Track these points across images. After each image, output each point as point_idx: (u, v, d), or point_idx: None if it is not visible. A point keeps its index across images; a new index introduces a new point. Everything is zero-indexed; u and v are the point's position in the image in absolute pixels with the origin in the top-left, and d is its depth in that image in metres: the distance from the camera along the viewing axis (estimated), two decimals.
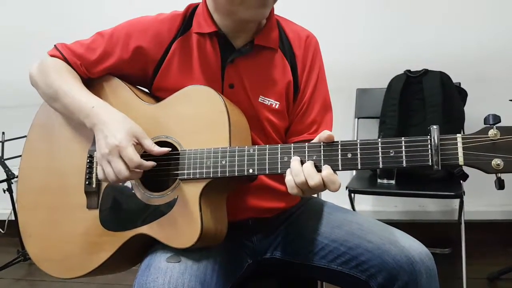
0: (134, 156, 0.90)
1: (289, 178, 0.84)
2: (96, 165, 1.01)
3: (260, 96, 1.05)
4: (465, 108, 2.06)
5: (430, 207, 2.37)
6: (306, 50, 1.09)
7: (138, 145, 0.94)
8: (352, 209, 2.04)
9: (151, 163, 0.93)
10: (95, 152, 0.97)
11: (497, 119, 0.75)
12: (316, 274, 1.11)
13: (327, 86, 1.14)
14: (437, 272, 0.94)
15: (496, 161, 0.74)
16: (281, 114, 1.08)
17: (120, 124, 0.94)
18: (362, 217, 1.06)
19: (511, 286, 1.95)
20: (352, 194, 2.00)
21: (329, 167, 0.82)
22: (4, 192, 2.31)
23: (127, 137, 0.92)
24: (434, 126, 0.77)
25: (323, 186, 0.82)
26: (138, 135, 0.94)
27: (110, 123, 0.95)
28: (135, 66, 1.07)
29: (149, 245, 0.99)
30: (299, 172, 0.83)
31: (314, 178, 0.81)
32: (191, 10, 1.08)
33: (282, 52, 1.08)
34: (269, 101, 1.06)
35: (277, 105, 1.06)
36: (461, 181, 1.90)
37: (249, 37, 1.05)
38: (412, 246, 0.94)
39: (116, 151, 0.91)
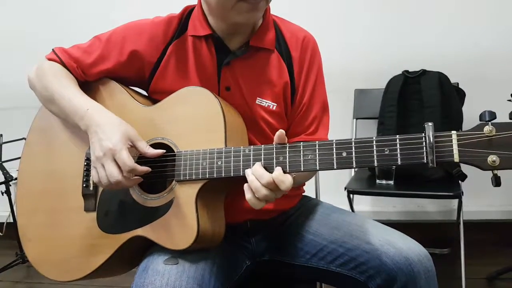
0: (127, 160, 0.90)
1: (248, 197, 0.85)
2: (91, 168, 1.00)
3: (257, 98, 1.05)
4: (463, 108, 2.06)
5: (428, 208, 2.37)
6: (304, 52, 1.09)
7: (133, 147, 0.94)
8: (350, 210, 2.04)
9: (145, 168, 0.93)
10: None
11: (492, 115, 0.74)
12: (315, 276, 1.10)
13: (325, 88, 1.13)
14: (436, 273, 0.93)
15: (492, 158, 0.73)
16: (279, 115, 1.07)
17: (115, 127, 0.94)
18: (361, 218, 1.06)
19: (510, 286, 1.95)
20: (351, 195, 2.00)
21: (280, 168, 0.83)
22: (2, 195, 2.30)
23: (121, 140, 0.92)
24: (429, 123, 0.76)
25: (275, 185, 0.82)
26: (132, 138, 0.94)
27: (105, 125, 0.94)
28: (131, 69, 1.07)
29: (147, 247, 0.98)
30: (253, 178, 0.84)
31: (263, 177, 0.82)
32: (187, 13, 1.08)
33: (279, 52, 1.07)
34: (266, 102, 1.05)
35: (275, 107, 1.06)
36: (460, 181, 1.90)
37: (245, 39, 1.05)
38: (411, 247, 0.93)
39: (110, 154, 0.91)
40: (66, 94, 1.02)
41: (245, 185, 0.84)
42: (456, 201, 2.07)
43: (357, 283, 0.97)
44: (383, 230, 1.00)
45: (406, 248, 0.93)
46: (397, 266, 0.91)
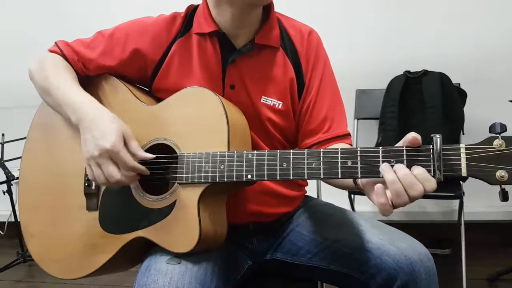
0: (128, 159, 0.90)
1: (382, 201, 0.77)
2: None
3: (263, 97, 1.04)
4: (465, 109, 2.06)
5: (430, 208, 2.37)
6: (309, 46, 1.08)
7: (125, 146, 0.93)
8: (352, 210, 2.05)
9: (145, 168, 0.93)
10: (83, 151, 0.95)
11: (503, 128, 0.72)
12: (316, 275, 1.11)
13: (334, 81, 1.11)
14: (437, 273, 0.93)
15: (501, 173, 0.72)
16: (285, 114, 1.06)
17: (110, 124, 0.93)
18: (362, 218, 1.06)
19: (511, 286, 1.95)
20: (352, 195, 2.01)
21: (418, 166, 0.75)
22: (4, 194, 2.31)
23: (118, 139, 0.91)
24: (437, 135, 0.74)
25: (421, 187, 0.74)
26: (126, 136, 0.93)
27: (99, 122, 0.93)
28: (133, 67, 1.06)
29: (149, 247, 0.98)
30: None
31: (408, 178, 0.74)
32: (191, 11, 1.08)
33: (284, 50, 1.07)
34: (272, 101, 1.05)
35: (280, 105, 1.05)
36: (461, 182, 1.90)
37: (250, 36, 1.04)
38: (412, 247, 0.93)
39: (107, 155, 0.90)
40: (62, 85, 1.01)
41: (378, 187, 0.77)
42: (457, 202, 2.07)
43: (358, 282, 0.97)
44: (384, 229, 1.00)
45: (407, 247, 0.93)
46: (398, 265, 0.91)
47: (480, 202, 2.23)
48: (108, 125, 0.93)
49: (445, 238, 2.21)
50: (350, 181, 0.90)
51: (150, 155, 0.94)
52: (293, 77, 1.06)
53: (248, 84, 1.04)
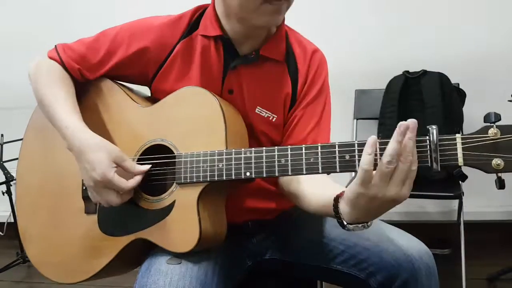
0: (122, 184, 0.91)
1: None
2: None
3: (257, 107, 1.04)
4: (464, 109, 2.07)
5: (429, 208, 2.37)
6: (310, 65, 1.06)
7: (119, 168, 0.93)
8: None
9: (138, 180, 0.93)
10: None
11: (497, 117, 0.73)
12: (316, 274, 1.11)
13: (327, 104, 1.09)
14: (437, 272, 0.94)
15: (496, 161, 0.72)
16: (279, 127, 1.06)
17: (96, 154, 0.92)
18: None
19: (511, 286, 1.95)
20: None
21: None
22: (3, 194, 2.31)
23: (107, 168, 0.90)
24: (433, 126, 0.75)
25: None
26: (116, 160, 0.93)
27: (86, 152, 0.93)
28: (135, 67, 1.05)
29: (150, 248, 0.98)
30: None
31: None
32: (200, 12, 1.06)
33: (287, 65, 1.05)
34: (266, 113, 1.04)
35: (274, 119, 1.04)
36: (460, 182, 1.90)
37: (256, 46, 1.03)
38: (411, 244, 0.94)
39: (102, 184, 0.91)
40: (53, 104, 1.00)
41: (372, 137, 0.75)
42: (456, 202, 2.08)
43: (358, 280, 0.97)
44: (383, 227, 1.00)
45: (407, 245, 0.93)
46: (398, 262, 0.91)
47: (480, 202, 2.24)
48: (95, 156, 0.92)
49: (444, 238, 2.21)
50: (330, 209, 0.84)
51: (146, 167, 0.94)
52: (289, 92, 1.05)
53: (245, 92, 1.03)
